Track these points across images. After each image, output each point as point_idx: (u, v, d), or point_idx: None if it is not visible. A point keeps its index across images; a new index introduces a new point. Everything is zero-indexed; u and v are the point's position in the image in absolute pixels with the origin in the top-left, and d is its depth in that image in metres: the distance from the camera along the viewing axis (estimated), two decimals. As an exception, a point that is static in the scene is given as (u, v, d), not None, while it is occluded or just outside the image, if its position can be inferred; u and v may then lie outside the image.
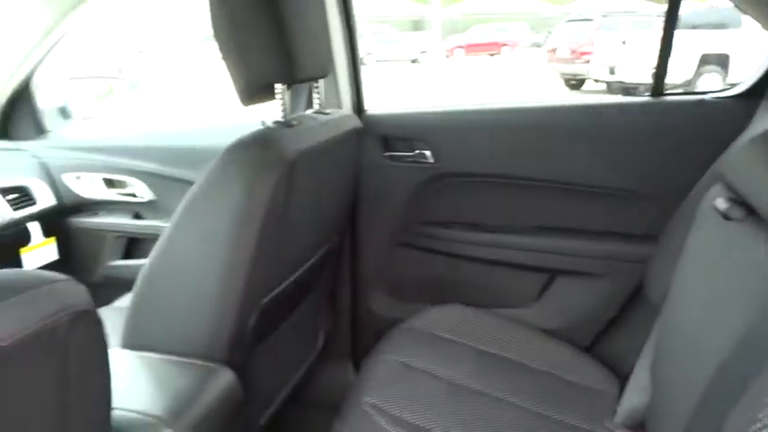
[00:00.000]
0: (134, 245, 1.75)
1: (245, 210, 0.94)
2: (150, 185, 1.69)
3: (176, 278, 0.97)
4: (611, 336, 1.42)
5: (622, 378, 1.19)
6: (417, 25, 19.90)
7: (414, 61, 16.54)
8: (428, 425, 1.03)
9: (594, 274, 1.41)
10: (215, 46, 1.02)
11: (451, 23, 19.19)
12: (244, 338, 1.01)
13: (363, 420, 1.04)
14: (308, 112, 1.27)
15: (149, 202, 1.71)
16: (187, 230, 0.96)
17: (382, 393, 1.10)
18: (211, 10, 0.98)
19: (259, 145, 0.96)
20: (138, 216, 1.75)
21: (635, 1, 14.41)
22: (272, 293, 1.08)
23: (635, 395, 1.08)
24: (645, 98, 1.39)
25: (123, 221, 1.73)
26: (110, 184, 1.72)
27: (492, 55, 17.52)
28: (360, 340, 1.61)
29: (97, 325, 0.59)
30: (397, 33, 17.98)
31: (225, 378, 0.89)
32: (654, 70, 1.38)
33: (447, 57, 17.09)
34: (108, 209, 1.76)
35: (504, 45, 17.96)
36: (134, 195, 1.71)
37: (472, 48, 17.90)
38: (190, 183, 1.63)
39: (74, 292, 0.57)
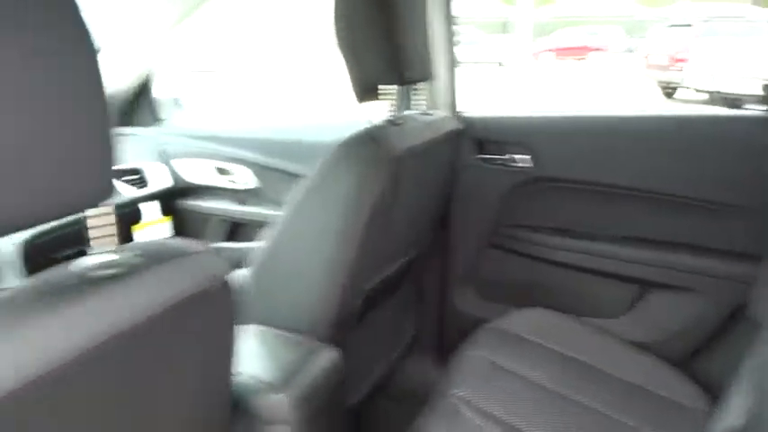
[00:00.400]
0: (236, 229, 1.88)
1: (355, 203, 1.00)
2: (255, 174, 1.80)
3: (289, 261, 1.05)
4: (705, 353, 1.38)
5: (715, 397, 1.16)
6: (505, 27, 19.60)
7: (500, 64, 16.32)
8: (514, 422, 1.06)
9: (691, 289, 1.38)
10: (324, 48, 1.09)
11: (539, 26, 18.78)
12: (346, 321, 1.08)
13: (451, 412, 1.09)
14: (411, 112, 1.32)
15: (252, 190, 1.82)
16: (301, 219, 1.04)
17: (470, 388, 1.14)
18: (335, 16, 1.05)
19: (370, 141, 1.03)
20: (241, 202, 1.87)
21: (740, 5, 13.52)
22: (372, 282, 1.14)
23: (730, 416, 1.06)
24: (754, 112, 1.35)
25: (228, 206, 1.86)
26: (217, 170, 1.86)
27: (580, 59, 17.00)
28: (445, 337, 1.65)
29: (233, 294, 0.67)
30: (482, 35, 17.79)
31: (330, 354, 0.96)
32: (764, 82, 1.33)
33: (534, 60, 16.75)
34: (213, 194, 1.89)
35: (595, 49, 17.38)
36: (239, 182, 1.84)
37: (560, 52, 17.44)
38: (292, 174, 1.74)
39: (220, 262, 0.65)
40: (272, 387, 0.85)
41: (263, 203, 1.81)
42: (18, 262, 1.40)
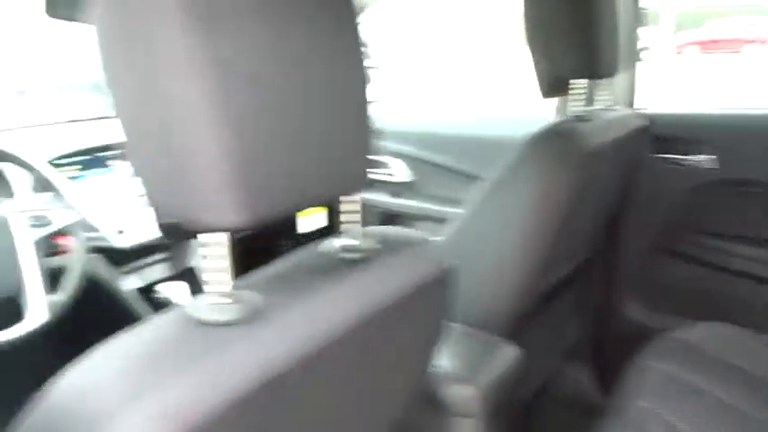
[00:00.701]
0: (389, 220, 1.92)
1: (542, 202, 0.98)
2: (410, 167, 1.83)
3: (470, 258, 1.05)
4: None
5: None
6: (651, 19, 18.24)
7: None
8: None
9: None
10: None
11: (685, 17, 17.28)
12: (520, 320, 1.07)
13: (635, 423, 1.03)
14: (595, 108, 1.27)
15: (407, 183, 1.85)
16: (484, 217, 1.04)
17: (652, 400, 1.07)
18: (525, 7, 1.03)
19: (559, 138, 1.00)
20: (395, 195, 1.91)
21: None
22: (547, 283, 1.12)
23: None
24: None
25: (382, 198, 1.90)
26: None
27: (732, 53, 15.42)
28: (608, 344, 1.58)
29: (452, 286, 0.68)
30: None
31: (512, 350, 0.95)
32: None
33: (677, 54, 15.47)
34: (369, 185, 1.94)
35: (750, 42, 15.69)
36: (394, 175, 1.87)
37: (708, 45, 15.95)
38: (448, 168, 1.75)
39: (444, 252, 0.66)
40: (459, 379, 0.86)
41: (417, 197, 1.84)
42: None
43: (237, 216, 0.44)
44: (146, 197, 0.49)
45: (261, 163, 0.44)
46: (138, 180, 0.48)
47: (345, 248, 0.58)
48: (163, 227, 0.49)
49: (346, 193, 0.55)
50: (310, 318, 0.49)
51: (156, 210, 0.48)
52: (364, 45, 0.54)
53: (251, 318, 0.46)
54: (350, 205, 0.59)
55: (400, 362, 0.66)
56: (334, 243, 0.59)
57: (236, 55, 0.42)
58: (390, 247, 0.60)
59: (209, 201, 0.43)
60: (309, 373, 0.49)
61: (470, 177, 1.75)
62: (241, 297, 0.48)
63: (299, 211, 0.51)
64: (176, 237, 0.48)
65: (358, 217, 0.59)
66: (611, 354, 1.48)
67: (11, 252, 1.04)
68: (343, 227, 0.59)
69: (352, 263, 0.57)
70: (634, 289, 1.53)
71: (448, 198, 1.77)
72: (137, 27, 0.42)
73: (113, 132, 1.53)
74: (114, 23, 0.44)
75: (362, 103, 0.53)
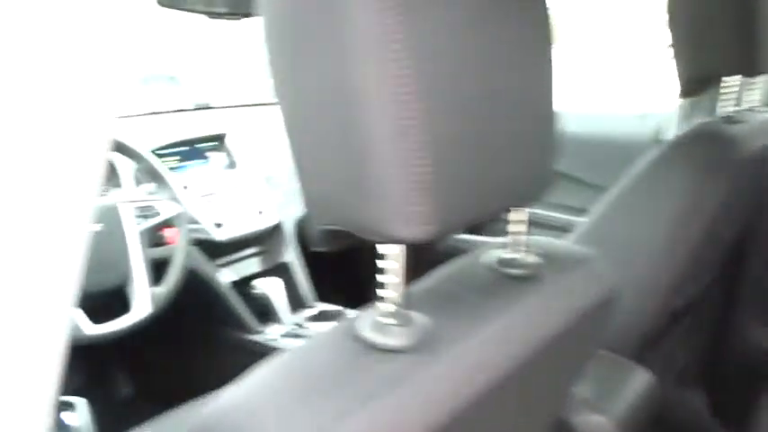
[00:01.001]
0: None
1: (686, 214, 0.88)
2: None
3: None
4: None
5: None
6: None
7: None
8: None
9: None
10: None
11: None
12: (647, 341, 0.97)
13: None
14: (744, 108, 1.14)
15: None
16: (617, 223, 0.94)
17: None
18: None
19: (711, 141, 0.90)
20: None
21: None
22: (680, 300, 1.01)
23: None
24: None
25: None
26: None
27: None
28: (726, 368, 1.44)
29: (614, 307, 0.60)
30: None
31: (645, 376, 0.86)
32: None
33: None
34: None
35: None
36: None
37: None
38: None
39: (610, 270, 0.58)
40: (590, 406, 0.78)
41: None
42: (294, 235, 1.51)
43: (420, 227, 0.38)
44: (302, 200, 0.44)
45: (449, 166, 0.39)
46: (296, 181, 0.44)
47: (504, 262, 0.52)
48: (321, 233, 0.44)
49: (523, 204, 0.49)
50: (483, 349, 0.43)
51: (316, 214, 0.43)
52: (553, 44, 0.47)
53: (421, 345, 0.41)
54: (518, 215, 0.52)
55: (555, 390, 0.59)
56: (495, 254, 0.53)
57: (432, 40, 0.37)
58: (553, 261, 0.53)
59: (390, 208, 0.38)
60: (479, 411, 0.43)
61: (567, 177, 1.65)
62: (410, 319, 0.42)
63: (476, 222, 0.45)
64: (333, 245, 0.43)
65: (524, 228, 0.52)
66: (728, 379, 1.35)
67: (121, 242, 1.04)
68: (511, 237, 0.53)
69: (518, 280, 0.50)
70: (761, 310, 1.39)
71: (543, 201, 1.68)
72: (318, 13, 0.37)
73: (200, 124, 1.52)
74: (290, 10, 0.39)
75: (550, 103, 0.47)
